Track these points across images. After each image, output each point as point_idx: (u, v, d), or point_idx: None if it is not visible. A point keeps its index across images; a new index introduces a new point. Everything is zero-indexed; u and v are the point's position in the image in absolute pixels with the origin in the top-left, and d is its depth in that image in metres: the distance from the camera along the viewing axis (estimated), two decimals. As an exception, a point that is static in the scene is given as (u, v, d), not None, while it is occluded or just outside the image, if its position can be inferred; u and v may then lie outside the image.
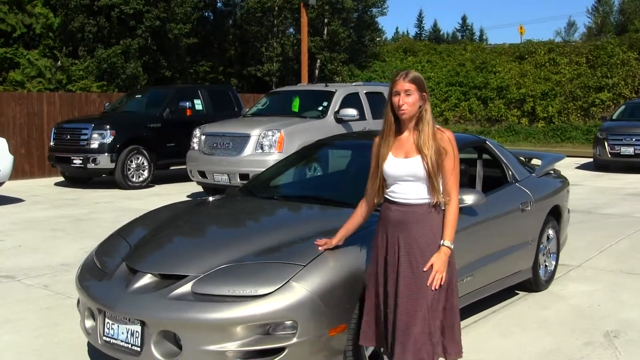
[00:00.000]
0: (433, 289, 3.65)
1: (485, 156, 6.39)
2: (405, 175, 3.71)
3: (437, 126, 3.78)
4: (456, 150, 3.79)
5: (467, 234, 5.26)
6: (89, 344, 4.99)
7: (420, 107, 3.72)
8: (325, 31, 32.94)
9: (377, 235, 3.91)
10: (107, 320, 4.27)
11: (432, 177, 3.66)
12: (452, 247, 3.74)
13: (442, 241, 3.72)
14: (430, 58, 34.31)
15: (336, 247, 4.21)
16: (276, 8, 32.17)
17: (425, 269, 3.66)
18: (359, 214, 4.12)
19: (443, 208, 3.77)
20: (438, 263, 3.66)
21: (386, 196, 3.85)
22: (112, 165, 14.41)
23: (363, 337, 3.96)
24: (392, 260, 3.77)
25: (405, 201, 3.74)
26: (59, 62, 26.88)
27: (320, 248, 4.20)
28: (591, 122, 27.72)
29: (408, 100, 3.68)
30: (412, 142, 3.73)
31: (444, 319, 3.77)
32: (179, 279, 4.18)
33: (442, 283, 3.67)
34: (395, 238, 3.76)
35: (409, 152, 3.72)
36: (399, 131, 3.79)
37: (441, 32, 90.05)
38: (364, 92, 13.67)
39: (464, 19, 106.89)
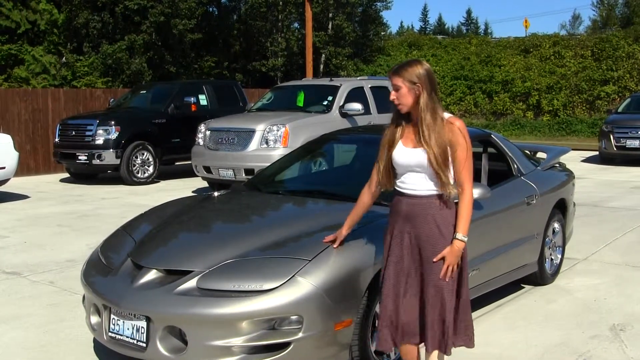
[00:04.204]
0: (447, 280, 3.62)
1: (490, 150, 6.38)
2: (413, 165, 3.67)
3: (449, 115, 3.70)
4: (468, 140, 3.68)
5: (472, 228, 5.23)
6: (94, 339, 5.00)
7: (418, 97, 3.63)
8: (330, 26, 32.88)
9: (387, 230, 3.86)
10: (112, 316, 4.27)
11: (436, 169, 3.59)
12: (466, 240, 3.68)
13: (455, 234, 3.66)
14: (435, 52, 34.23)
15: (341, 242, 4.20)
16: (280, 3, 32.12)
17: (435, 260, 3.62)
18: (363, 201, 4.08)
19: (456, 200, 3.72)
20: (450, 257, 3.62)
21: (396, 188, 3.80)
22: (117, 161, 14.43)
23: (380, 340, 3.78)
24: (400, 252, 3.73)
25: (413, 192, 3.70)
26: (64, 58, 26.89)
27: (330, 243, 4.17)
28: (596, 115, 27.64)
29: (398, 93, 3.65)
30: (418, 132, 3.67)
31: (458, 313, 3.75)
32: (184, 274, 4.18)
33: (453, 275, 3.65)
34: (404, 230, 3.72)
35: (415, 142, 3.67)
36: (410, 120, 3.73)
37: (446, 26, 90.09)
38: (369, 86, 13.65)
39: (468, 12, 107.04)
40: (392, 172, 3.81)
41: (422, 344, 3.77)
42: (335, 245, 4.15)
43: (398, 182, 3.79)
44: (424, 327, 3.71)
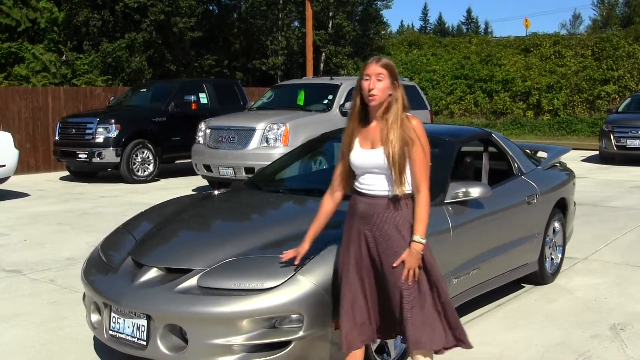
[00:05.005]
0: (409, 283, 3.56)
1: (491, 149, 6.38)
2: (371, 166, 3.62)
3: (407, 114, 3.63)
4: (425, 139, 3.63)
5: (473, 227, 5.26)
6: (95, 338, 5.00)
7: (390, 95, 3.60)
8: (330, 24, 32.87)
9: (345, 228, 3.81)
10: (113, 314, 4.27)
11: (393, 169, 3.54)
12: (424, 241, 3.59)
13: (412, 236, 3.59)
14: (435, 51, 34.24)
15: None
16: (281, 1, 32.12)
17: (395, 265, 3.57)
18: (326, 210, 3.96)
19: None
20: (410, 260, 3.55)
21: (354, 187, 3.76)
22: (118, 160, 14.43)
23: (347, 343, 3.70)
24: (358, 252, 3.69)
25: (371, 192, 3.65)
26: (64, 57, 26.90)
27: (287, 259, 4.01)
28: (597, 114, 27.66)
29: (379, 85, 3.56)
30: (378, 131, 3.62)
31: (446, 314, 3.68)
32: (185, 272, 4.18)
33: (416, 278, 3.57)
34: (360, 230, 3.68)
35: (375, 142, 3.62)
36: (367, 120, 3.68)
37: (446, 25, 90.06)
38: (369, 85, 13.60)
39: (468, 11, 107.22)
40: (351, 175, 3.77)
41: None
42: (296, 262, 4.00)
43: (356, 183, 3.74)
44: (395, 326, 3.69)
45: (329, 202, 3.96)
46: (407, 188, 3.62)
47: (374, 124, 3.67)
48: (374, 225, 3.65)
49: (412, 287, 3.58)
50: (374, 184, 3.65)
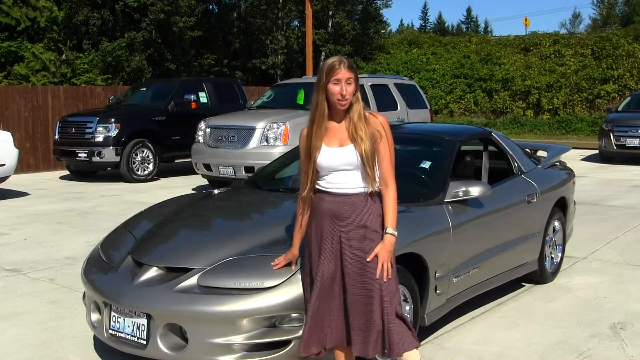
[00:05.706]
0: (385, 280, 3.54)
1: (491, 148, 6.38)
2: (341, 164, 3.59)
3: (370, 111, 3.66)
4: (390, 134, 3.63)
5: (472, 226, 5.25)
6: (95, 337, 5.00)
7: (353, 94, 3.59)
8: (330, 23, 32.90)
9: (311, 230, 3.75)
10: (113, 313, 4.27)
11: (366, 165, 3.53)
12: (396, 233, 3.61)
13: (385, 229, 3.59)
14: (435, 50, 34.23)
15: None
16: (280, 0, 32.13)
17: (369, 260, 3.55)
18: (304, 215, 3.88)
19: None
20: (383, 253, 3.54)
21: (318, 187, 3.71)
22: (117, 159, 14.43)
23: (307, 346, 3.65)
24: (330, 253, 3.63)
25: (342, 191, 3.62)
26: (64, 56, 26.91)
27: (279, 267, 4.02)
28: (596, 113, 27.67)
29: (349, 89, 3.53)
30: (344, 129, 3.61)
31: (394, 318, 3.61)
32: (185, 272, 4.19)
33: (390, 274, 3.56)
34: (333, 230, 3.62)
35: (343, 140, 3.60)
36: (329, 120, 3.65)
37: (446, 24, 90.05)
38: (369, 84, 13.63)
39: (468, 10, 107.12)
40: (314, 175, 3.70)
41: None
42: (293, 267, 4.01)
43: (320, 182, 3.69)
44: (351, 331, 3.62)
45: (305, 207, 3.87)
46: (378, 183, 3.62)
47: (337, 123, 3.65)
48: (349, 224, 3.60)
49: (392, 287, 3.57)
50: (345, 182, 3.62)
